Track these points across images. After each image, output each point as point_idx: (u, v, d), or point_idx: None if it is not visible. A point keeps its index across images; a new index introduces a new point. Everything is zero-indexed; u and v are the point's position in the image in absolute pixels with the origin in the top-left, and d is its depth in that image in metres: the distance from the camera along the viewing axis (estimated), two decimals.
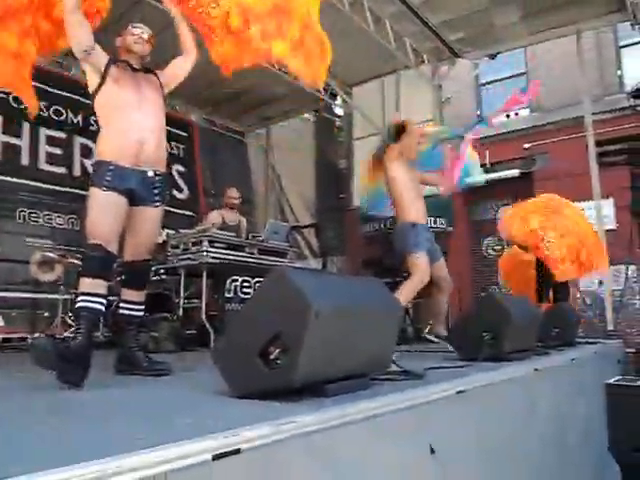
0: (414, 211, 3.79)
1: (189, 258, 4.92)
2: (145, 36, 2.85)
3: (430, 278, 3.80)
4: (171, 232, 5.58)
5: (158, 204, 2.74)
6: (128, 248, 2.79)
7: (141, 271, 2.80)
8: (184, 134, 9.22)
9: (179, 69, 3.01)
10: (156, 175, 2.72)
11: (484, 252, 11.32)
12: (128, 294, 2.80)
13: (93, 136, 6.70)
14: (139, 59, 2.84)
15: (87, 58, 2.66)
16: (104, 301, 2.51)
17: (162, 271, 5.56)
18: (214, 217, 5.87)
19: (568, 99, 9.94)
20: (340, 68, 8.62)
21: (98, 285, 2.47)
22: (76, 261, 5.99)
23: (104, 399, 1.98)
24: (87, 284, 2.46)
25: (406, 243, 3.72)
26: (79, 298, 2.48)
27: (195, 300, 5.32)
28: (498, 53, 8.10)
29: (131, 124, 2.61)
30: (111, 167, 2.56)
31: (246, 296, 4.95)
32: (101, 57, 2.69)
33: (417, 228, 3.72)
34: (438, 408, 2.01)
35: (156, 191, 2.71)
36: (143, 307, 2.82)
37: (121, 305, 2.83)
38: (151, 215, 2.73)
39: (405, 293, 3.61)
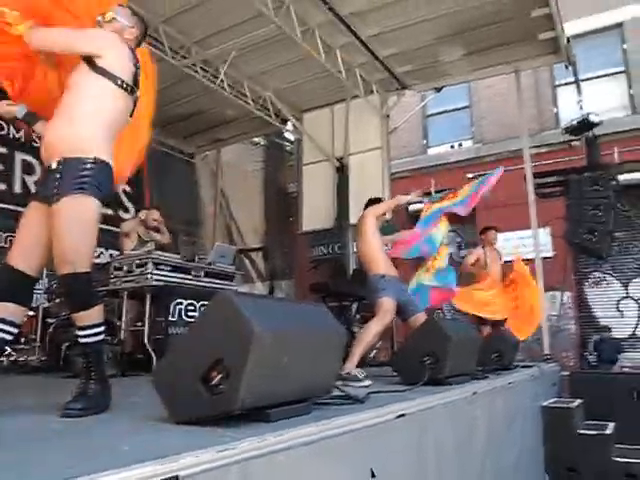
0: (384, 266, 4.20)
1: (132, 280, 4.81)
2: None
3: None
4: (115, 253, 5.46)
5: (56, 197, 2.15)
6: None
7: (65, 289, 2.28)
8: None
9: None
10: (59, 164, 2.22)
11: None
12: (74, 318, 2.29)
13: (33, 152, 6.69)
14: None
15: None
16: (7, 328, 2.15)
17: (103, 293, 5.41)
18: (130, 225, 5.84)
19: (508, 132, 10.46)
20: (291, 94, 8.78)
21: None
22: None
23: (36, 426, 1.91)
24: None
25: (374, 290, 4.11)
26: None
27: (138, 323, 5.19)
28: (443, 87, 8.44)
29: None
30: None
31: (191, 320, 4.86)
32: None
33: (386, 278, 4.13)
34: (379, 432, 2.04)
35: (56, 182, 2.17)
36: (90, 332, 2.20)
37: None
38: (51, 213, 2.18)
39: (370, 332, 3.95)
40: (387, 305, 3.99)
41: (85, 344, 2.21)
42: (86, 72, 2.36)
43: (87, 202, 2.19)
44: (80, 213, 2.17)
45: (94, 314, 2.21)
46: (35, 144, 6.63)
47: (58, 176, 2.18)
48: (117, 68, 2.39)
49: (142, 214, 6.00)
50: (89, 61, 2.36)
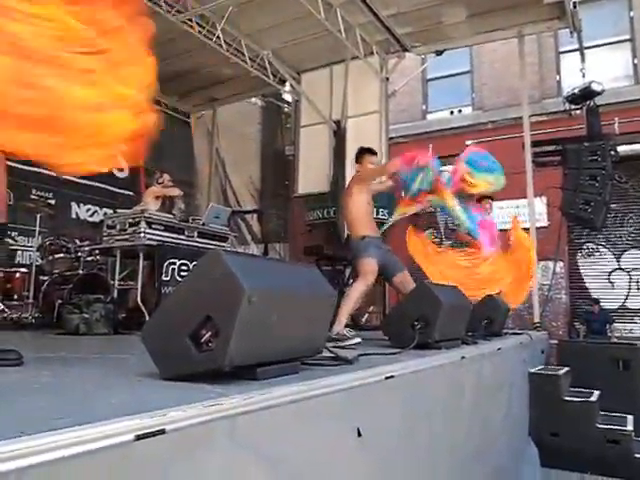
0: (364, 228, 4.11)
1: (125, 239, 4.80)
2: None
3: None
4: (109, 211, 5.43)
5: None
6: None
7: None
8: None
9: None
10: None
11: None
12: None
13: None
14: None
15: None
16: None
17: (97, 251, 5.40)
18: (154, 191, 5.81)
19: (509, 99, 10.32)
20: (290, 53, 8.59)
21: None
22: None
23: (26, 380, 1.91)
24: None
25: (356, 251, 4.06)
26: None
27: (131, 282, 5.20)
28: (445, 50, 8.27)
29: None
30: None
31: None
32: None
33: (366, 239, 4.05)
34: (367, 393, 2.06)
35: None
36: None
37: None
38: None
39: (352, 294, 3.95)
40: (368, 266, 3.97)
41: None
42: None
43: None
44: None
45: None
46: None
47: None
48: None
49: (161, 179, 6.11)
50: None
